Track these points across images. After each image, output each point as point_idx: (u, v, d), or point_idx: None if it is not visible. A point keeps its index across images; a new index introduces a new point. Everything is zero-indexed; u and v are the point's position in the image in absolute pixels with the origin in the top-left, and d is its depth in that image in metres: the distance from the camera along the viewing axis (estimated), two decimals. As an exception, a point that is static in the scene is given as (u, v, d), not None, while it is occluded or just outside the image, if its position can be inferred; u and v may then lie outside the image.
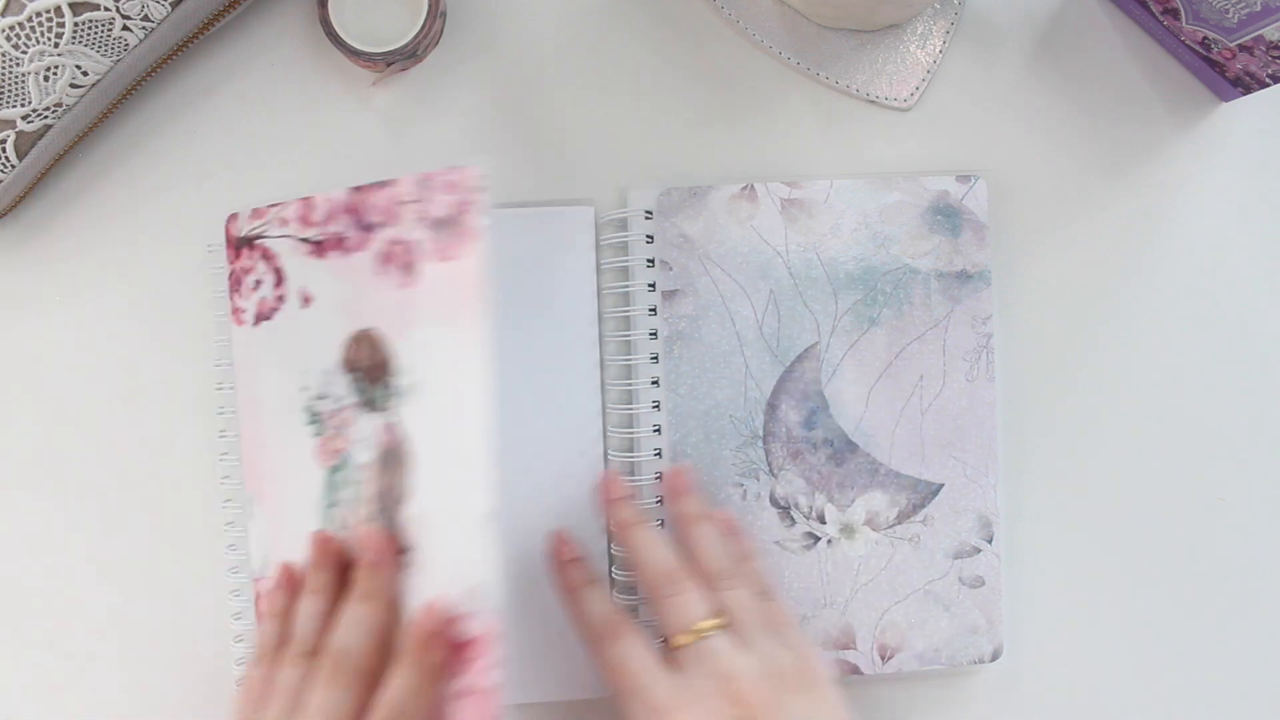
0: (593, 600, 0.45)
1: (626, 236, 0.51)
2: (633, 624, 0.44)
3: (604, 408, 0.51)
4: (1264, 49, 0.48)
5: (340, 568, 0.45)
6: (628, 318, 0.51)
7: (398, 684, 0.40)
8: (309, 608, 0.44)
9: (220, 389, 0.50)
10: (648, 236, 0.51)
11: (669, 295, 0.51)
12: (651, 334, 0.51)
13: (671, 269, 0.51)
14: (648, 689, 0.42)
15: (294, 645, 0.43)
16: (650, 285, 0.51)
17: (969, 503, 0.51)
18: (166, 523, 0.50)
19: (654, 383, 0.51)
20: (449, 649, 0.40)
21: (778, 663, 0.42)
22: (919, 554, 0.51)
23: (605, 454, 0.50)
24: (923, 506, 0.51)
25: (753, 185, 0.51)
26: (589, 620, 0.45)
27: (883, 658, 0.51)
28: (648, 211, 0.51)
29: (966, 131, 0.53)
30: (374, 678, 0.41)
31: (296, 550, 0.46)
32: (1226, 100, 0.53)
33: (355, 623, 0.42)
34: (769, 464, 0.51)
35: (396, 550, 0.43)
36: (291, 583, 0.46)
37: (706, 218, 0.51)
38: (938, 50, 0.53)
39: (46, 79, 0.45)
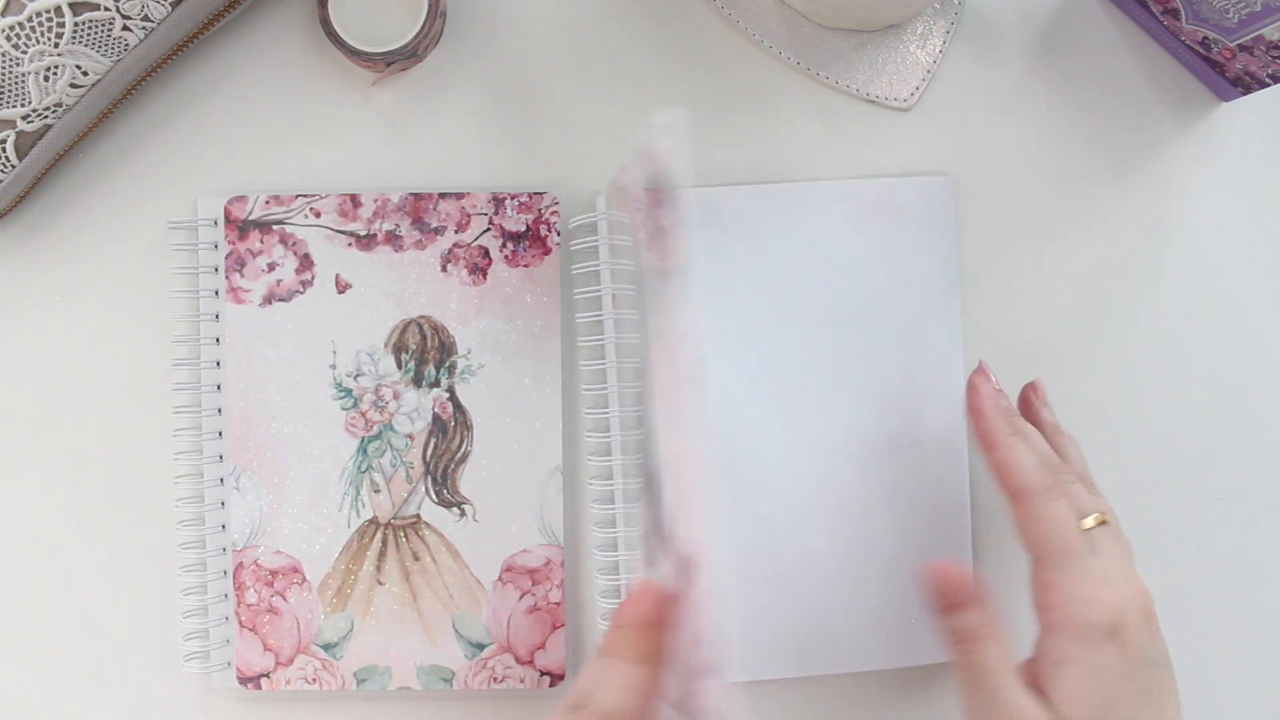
0: (1027, 455, 0.45)
1: (597, 241, 0.50)
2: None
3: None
4: (1264, 49, 0.48)
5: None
6: (600, 321, 0.50)
7: None
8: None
9: (206, 367, 0.50)
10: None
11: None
12: None
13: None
14: (1077, 541, 0.42)
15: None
16: None
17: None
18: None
19: None
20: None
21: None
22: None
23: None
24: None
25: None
26: (1022, 472, 0.44)
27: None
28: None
29: (966, 131, 0.53)
30: None
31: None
32: (1226, 100, 0.53)
33: None
34: None
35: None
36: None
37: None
38: (938, 50, 0.53)
39: (46, 79, 0.45)
